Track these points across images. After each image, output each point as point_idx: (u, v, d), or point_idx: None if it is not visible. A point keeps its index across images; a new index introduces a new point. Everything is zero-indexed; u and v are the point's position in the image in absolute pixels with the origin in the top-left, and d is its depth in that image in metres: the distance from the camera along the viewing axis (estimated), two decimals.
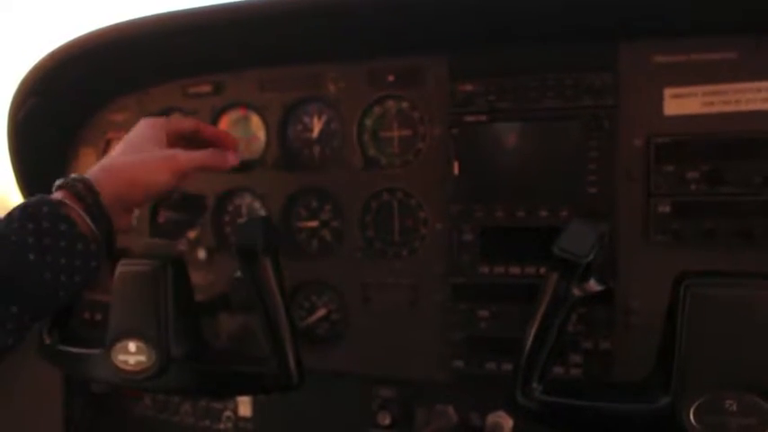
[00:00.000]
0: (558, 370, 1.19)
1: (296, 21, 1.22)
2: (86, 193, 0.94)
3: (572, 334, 1.18)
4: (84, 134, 1.60)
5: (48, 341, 1.25)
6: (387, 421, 1.30)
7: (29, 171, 1.56)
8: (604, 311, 1.18)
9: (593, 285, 0.96)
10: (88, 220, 0.93)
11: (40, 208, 0.90)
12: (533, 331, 0.98)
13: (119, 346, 1.16)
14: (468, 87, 1.23)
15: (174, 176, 1.07)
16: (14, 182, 1.58)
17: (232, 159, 1.19)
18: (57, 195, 0.94)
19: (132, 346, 1.16)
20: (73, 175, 0.96)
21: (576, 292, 0.94)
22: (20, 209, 0.89)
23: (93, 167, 1.02)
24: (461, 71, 1.24)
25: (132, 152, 1.06)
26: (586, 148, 1.18)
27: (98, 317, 1.52)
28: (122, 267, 1.14)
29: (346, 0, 1.14)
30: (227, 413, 1.48)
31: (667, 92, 1.16)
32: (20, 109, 1.43)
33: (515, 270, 1.22)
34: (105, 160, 1.05)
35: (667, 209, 1.16)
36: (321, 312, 1.42)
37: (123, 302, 1.18)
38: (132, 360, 1.16)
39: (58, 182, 0.97)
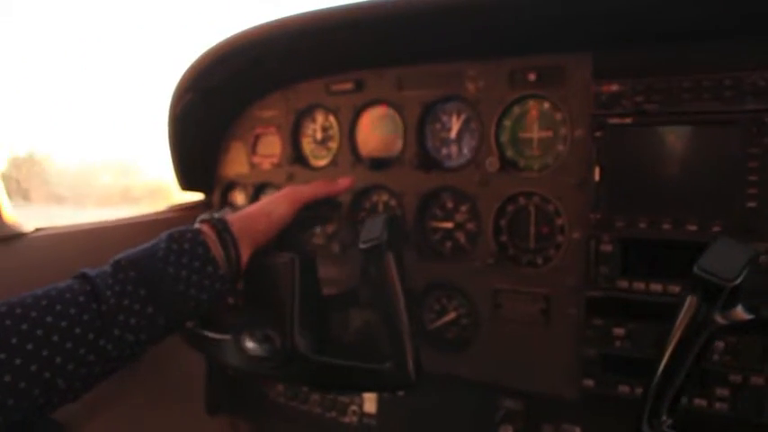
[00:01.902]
0: (701, 403, 1.08)
1: (437, 18, 1.20)
2: (220, 226, 1.09)
3: (718, 364, 1.06)
4: (235, 129, 1.69)
5: (189, 325, 1.34)
6: None
7: (185, 162, 1.68)
8: (758, 342, 1.04)
9: (741, 313, 0.86)
10: (220, 248, 1.07)
11: (185, 234, 1.05)
12: (666, 359, 0.89)
13: (247, 333, 1.21)
14: (614, 87, 1.14)
15: (293, 206, 1.22)
16: (172, 171, 1.70)
17: (344, 183, 1.31)
18: (198, 226, 1.09)
19: (260, 334, 1.20)
20: (213, 214, 1.13)
21: (719, 319, 0.85)
22: (167, 234, 1.06)
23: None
24: (607, 70, 1.15)
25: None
26: (746, 157, 1.04)
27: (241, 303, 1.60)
28: (254, 259, 1.19)
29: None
30: (353, 407, 1.50)
31: None
32: (178, 104, 1.53)
33: (657, 287, 1.11)
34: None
35: None
36: (451, 316, 1.39)
37: (254, 292, 1.23)
38: (259, 348, 1.20)
39: (200, 217, 1.13)
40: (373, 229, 1.17)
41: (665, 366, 0.89)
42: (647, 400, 0.90)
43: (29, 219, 1.50)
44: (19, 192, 1.51)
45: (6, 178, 1.50)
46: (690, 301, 0.86)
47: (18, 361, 0.87)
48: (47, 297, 0.94)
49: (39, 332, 0.89)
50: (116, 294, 0.96)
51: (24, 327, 0.89)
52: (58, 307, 0.92)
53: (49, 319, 0.91)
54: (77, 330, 0.92)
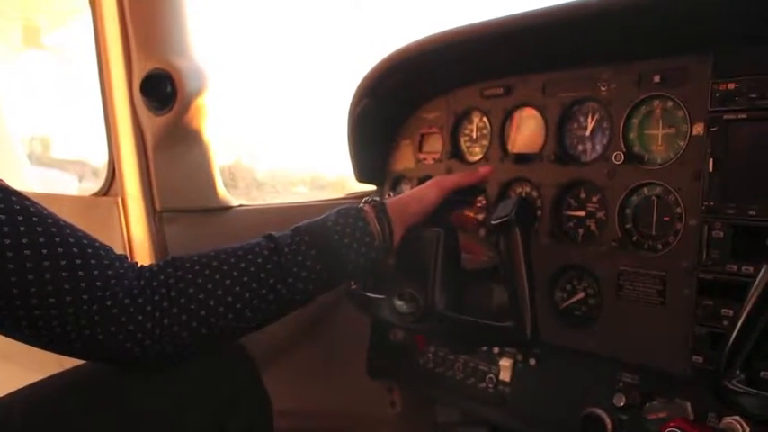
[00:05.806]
0: None
1: (581, 29, 1.38)
2: (379, 207, 1.36)
3: None
4: (404, 129, 1.95)
5: (353, 287, 1.62)
6: (621, 403, 1.37)
7: (361, 158, 1.98)
8: None
9: None
10: (376, 224, 1.33)
11: (350, 211, 1.33)
12: (741, 319, 1.00)
13: (397, 294, 1.46)
14: (731, 86, 1.24)
15: (441, 192, 1.48)
16: (351, 167, 2.01)
17: (483, 171, 1.63)
18: (362, 206, 1.37)
19: (407, 294, 1.45)
20: (374, 198, 1.40)
21: None
22: (337, 210, 1.34)
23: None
24: (726, 70, 1.25)
25: None
26: None
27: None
28: (407, 233, 1.43)
29: (632, 6, 1.26)
30: (490, 375, 1.67)
31: None
32: (356, 108, 1.83)
33: None
34: None
35: None
36: (580, 296, 1.53)
37: (405, 260, 1.47)
38: (405, 306, 1.44)
39: (365, 199, 1.40)
40: (505, 209, 1.37)
41: (741, 326, 1.00)
42: (724, 357, 1.01)
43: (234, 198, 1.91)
44: (229, 178, 1.92)
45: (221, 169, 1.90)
46: (765, 270, 0.97)
47: (219, 291, 1.18)
48: (242, 249, 1.25)
49: (234, 273, 1.20)
50: (292, 252, 1.25)
51: (225, 268, 1.20)
52: (249, 256, 1.23)
53: (242, 264, 1.21)
54: (261, 275, 1.21)
